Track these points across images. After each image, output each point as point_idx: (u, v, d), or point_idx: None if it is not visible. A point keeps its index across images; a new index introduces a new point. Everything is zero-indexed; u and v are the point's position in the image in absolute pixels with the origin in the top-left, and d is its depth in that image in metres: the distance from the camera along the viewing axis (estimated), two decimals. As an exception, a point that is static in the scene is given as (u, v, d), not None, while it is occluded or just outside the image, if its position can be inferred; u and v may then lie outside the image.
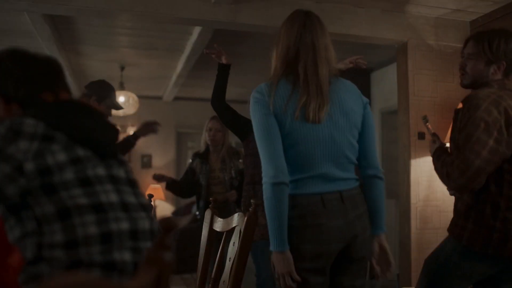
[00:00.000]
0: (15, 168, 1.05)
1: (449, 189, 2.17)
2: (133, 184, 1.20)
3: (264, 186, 1.67)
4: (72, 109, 1.21)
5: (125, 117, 7.25)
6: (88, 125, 1.18)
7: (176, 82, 6.60)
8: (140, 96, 6.66)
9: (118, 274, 1.06)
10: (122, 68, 6.08)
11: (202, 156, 4.02)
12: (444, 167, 1.95)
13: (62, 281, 0.57)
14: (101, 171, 1.13)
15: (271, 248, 1.66)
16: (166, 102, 7.87)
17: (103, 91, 3.27)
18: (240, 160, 4.02)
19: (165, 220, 0.83)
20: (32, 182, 1.06)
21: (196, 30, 4.59)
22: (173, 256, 0.82)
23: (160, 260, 0.79)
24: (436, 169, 2.06)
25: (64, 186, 1.07)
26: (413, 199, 3.68)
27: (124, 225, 1.11)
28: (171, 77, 6.65)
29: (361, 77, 6.27)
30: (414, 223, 3.65)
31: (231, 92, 7.84)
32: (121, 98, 6.10)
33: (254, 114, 1.72)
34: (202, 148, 4.10)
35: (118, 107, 3.37)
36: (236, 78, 6.86)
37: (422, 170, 3.69)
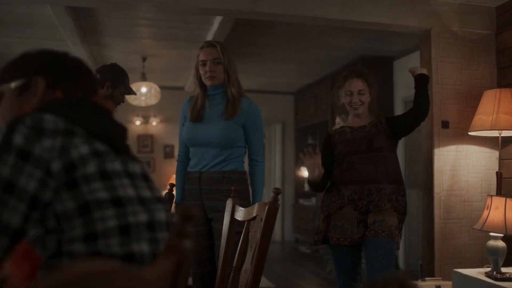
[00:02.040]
0: (45, 171, 1.04)
1: None
2: (147, 179, 1.20)
3: (262, 166, 2.58)
4: (86, 106, 1.20)
5: (147, 108, 7.30)
6: (102, 122, 1.19)
7: (197, 73, 6.61)
8: (162, 86, 6.69)
9: (136, 265, 1.07)
10: (144, 59, 6.12)
11: None
12: None
13: (83, 268, 0.58)
14: (117, 166, 1.13)
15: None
16: (188, 93, 7.88)
17: (117, 76, 2.99)
18: None
19: (185, 209, 0.83)
20: (59, 181, 1.05)
21: (217, 20, 4.58)
22: (192, 244, 0.82)
23: (180, 248, 0.80)
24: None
25: (85, 180, 1.07)
26: (436, 189, 3.62)
27: (142, 217, 1.11)
28: (192, 68, 6.65)
29: (384, 66, 6.19)
30: (437, 213, 3.59)
31: (251, 82, 7.86)
32: (143, 89, 6.15)
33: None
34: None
35: (132, 92, 3.09)
36: (256, 68, 6.87)
37: (446, 159, 3.64)
